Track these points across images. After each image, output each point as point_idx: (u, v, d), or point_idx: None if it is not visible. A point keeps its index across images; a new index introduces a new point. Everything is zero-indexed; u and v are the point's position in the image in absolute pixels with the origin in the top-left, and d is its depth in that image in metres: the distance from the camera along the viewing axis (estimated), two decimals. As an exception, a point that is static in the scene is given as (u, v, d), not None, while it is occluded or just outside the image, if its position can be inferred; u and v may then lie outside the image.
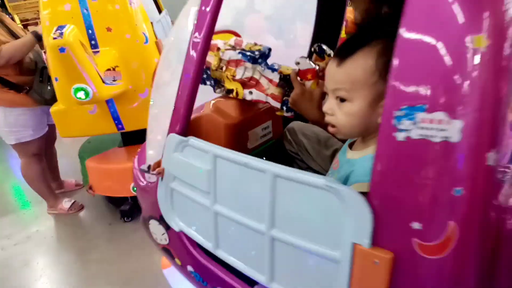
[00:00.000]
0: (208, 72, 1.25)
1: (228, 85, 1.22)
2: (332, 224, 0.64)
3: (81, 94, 1.89)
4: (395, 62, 0.56)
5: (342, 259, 0.64)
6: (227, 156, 0.79)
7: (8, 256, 2.66)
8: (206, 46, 0.90)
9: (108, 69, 2.10)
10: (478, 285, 0.58)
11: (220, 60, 1.20)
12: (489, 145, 0.54)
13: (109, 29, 2.15)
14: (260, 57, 1.18)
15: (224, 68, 1.21)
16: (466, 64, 0.52)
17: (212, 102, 1.27)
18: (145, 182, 1.12)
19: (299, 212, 0.70)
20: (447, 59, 0.53)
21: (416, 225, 0.57)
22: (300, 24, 4.00)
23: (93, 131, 2.47)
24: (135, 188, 2.59)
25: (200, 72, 0.93)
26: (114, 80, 2.13)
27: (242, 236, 0.80)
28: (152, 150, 1.06)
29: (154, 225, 1.10)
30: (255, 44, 1.23)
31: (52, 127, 2.81)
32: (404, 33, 0.56)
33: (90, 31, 2.13)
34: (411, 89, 0.55)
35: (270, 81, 1.18)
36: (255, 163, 0.74)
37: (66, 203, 3.03)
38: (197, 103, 1.29)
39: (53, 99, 2.34)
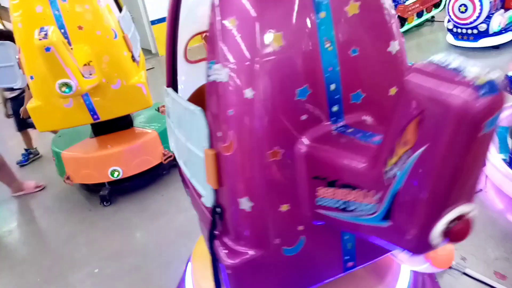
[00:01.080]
0: None
1: None
2: (200, 135, 0.99)
3: (65, 89, 2.09)
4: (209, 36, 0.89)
5: (203, 158, 0.96)
6: (172, 95, 1.20)
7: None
8: (172, 21, 1.25)
9: (85, 64, 2.30)
10: (263, 183, 0.88)
11: None
12: (246, 85, 0.82)
13: (80, 28, 2.34)
14: None
15: None
16: (225, 36, 0.84)
17: None
18: None
19: (192, 131, 1.06)
20: (218, 33, 0.85)
21: (219, 133, 0.89)
22: None
23: (70, 123, 2.64)
24: (113, 174, 2.83)
25: (170, 38, 1.28)
26: (90, 74, 2.34)
27: (184, 150, 1.17)
28: None
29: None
30: None
31: None
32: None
33: (62, 31, 2.30)
34: (211, 50, 0.88)
35: None
36: (177, 97, 1.14)
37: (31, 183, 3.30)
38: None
39: None
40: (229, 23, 0.84)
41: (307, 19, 0.84)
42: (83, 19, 2.35)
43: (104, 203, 2.97)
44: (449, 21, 4.59)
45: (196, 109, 0.97)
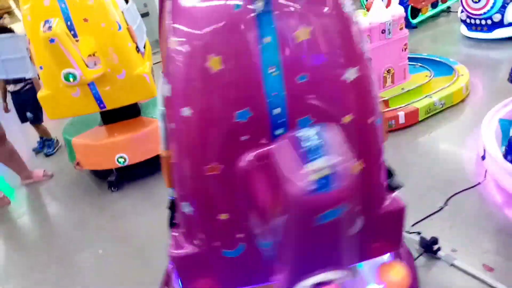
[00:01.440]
0: None
1: None
2: (160, 135, 1.04)
3: (70, 78, 2.20)
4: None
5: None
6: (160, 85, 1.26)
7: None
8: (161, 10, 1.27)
9: (90, 55, 2.40)
10: (202, 193, 0.93)
11: None
12: (184, 103, 0.86)
13: (85, 20, 2.43)
14: None
15: None
16: (170, 54, 0.86)
17: None
18: None
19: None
20: (167, 49, 0.87)
21: (168, 141, 0.97)
22: None
23: (78, 111, 2.76)
24: (120, 160, 2.94)
25: (160, 28, 1.29)
26: (95, 64, 2.44)
27: None
28: None
29: None
30: None
31: None
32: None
33: (68, 23, 2.40)
34: (164, 63, 0.93)
35: None
36: (161, 89, 1.17)
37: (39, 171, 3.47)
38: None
39: None
40: (173, 42, 0.87)
41: (249, 43, 0.83)
42: (88, 11, 2.44)
43: (112, 188, 3.09)
44: (462, 11, 4.48)
45: (160, 110, 1.03)
